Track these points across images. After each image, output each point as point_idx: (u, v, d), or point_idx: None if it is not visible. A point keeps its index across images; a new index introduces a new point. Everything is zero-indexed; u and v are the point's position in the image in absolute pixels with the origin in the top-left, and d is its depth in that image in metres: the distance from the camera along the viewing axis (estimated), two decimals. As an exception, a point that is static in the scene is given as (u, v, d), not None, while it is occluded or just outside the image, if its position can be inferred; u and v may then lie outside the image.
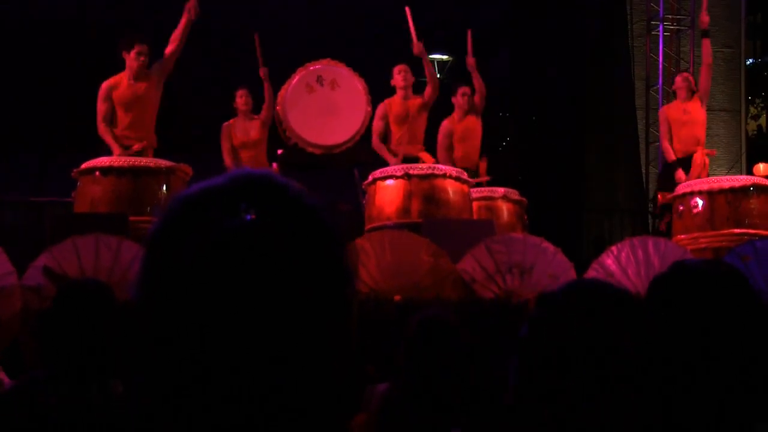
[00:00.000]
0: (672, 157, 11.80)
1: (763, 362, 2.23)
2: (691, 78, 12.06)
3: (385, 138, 11.74)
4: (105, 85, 10.53)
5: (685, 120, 11.75)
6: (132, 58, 10.44)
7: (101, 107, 10.47)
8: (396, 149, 11.59)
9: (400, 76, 11.69)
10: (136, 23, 17.76)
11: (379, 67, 12.23)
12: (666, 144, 11.95)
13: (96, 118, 10.50)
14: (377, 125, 11.76)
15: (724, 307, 2.25)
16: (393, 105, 11.68)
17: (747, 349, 2.22)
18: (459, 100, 12.28)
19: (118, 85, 10.48)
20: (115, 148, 10.30)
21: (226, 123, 12.06)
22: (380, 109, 11.79)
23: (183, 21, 10.70)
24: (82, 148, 10.60)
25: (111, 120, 10.47)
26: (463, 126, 12.27)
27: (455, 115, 12.32)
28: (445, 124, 12.29)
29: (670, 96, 17.47)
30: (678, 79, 12.12)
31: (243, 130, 12.01)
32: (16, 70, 17.70)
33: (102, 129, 10.43)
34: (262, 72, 12.17)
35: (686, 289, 2.29)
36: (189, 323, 1.22)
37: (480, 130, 12.39)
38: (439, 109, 12.10)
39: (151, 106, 10.58)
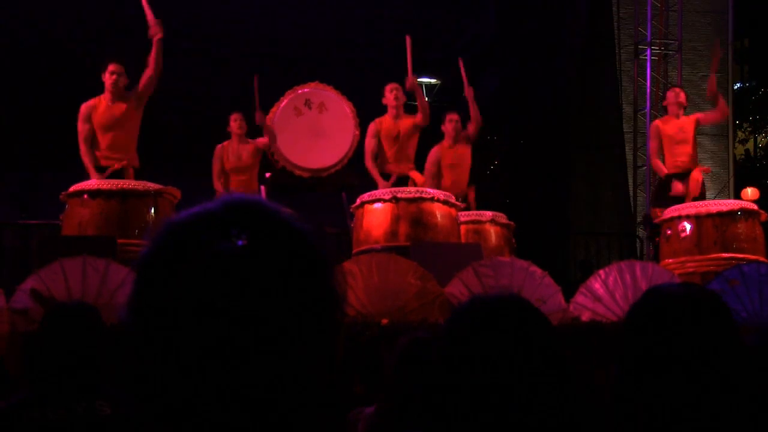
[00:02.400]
0: (664, 171, 11.73)
1: (741, 385, 2.23)
2: (682, 93, 11.95)
3: (377, 156, 11.67)
4: (84, 106, 10.48)
5: (680, 138, 11.67)
6: (106, 78, 10.42)
7: (81, 128, 10.42)
8: (389, 168, 11.53)
9: (391, 95, 11.62)
10: (121, 44, 17.81)
11: (368, 91, 12.24)
12: (656, 160, 11.91)
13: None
14: (369, 143, 11.67)
15: (699, 330, 2.25)
16: (384, 123, 11.61)
17: (722, 371, 2.23)
18: (447, 126, 12.24)
19: (97, 106, 10.43)
20: (92, 171, 10.26)
21: (219, 145, 11.97)
22: (372, 127, 11.71)
23: (153, 43, 10.65)
24: (70, 170, 10.59)
25: (92, 141, 10.43)
26: (453, 153, 12.21)
27: (445, 142, 12.26)
28: (435, 151, 12.23)
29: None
30: (670, 95, 11.95)
31: (236, 154, 11.93)
32: (2, 91, 17.71)
33: (83, 150, 10.37)
34: (259, 117, 12.10)
35: (661, 315, 2.30)
36: (179, 347, 1.23)
37: (470, 158, 12.35)
38: (428, 132, 12.07)
39: (130, 127, 10.50)
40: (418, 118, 11.60)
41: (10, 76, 17.65)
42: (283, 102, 12.76)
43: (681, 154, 11.69)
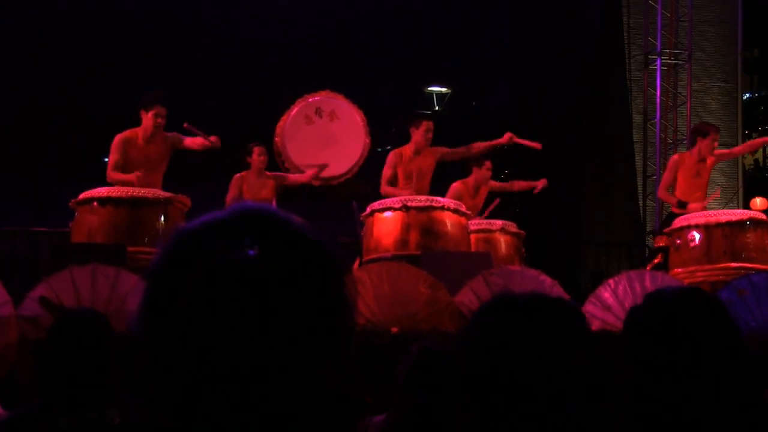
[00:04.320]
0: (674, 200, 11.72)
1: (742, 389, 2.22)
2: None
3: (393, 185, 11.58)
4: (120, 137, 10.52)
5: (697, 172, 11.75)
6: (149, 118, 10.48)
7: (115, 158, 10.47)
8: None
9: (426, 135, 11.50)
10: (129, 53, 17.84)
11: (379, 99, 12.23)
12: (666, 192, 11.93)
13: (107, 166, 10.54)
14: (387, 173, 11.52)
15: (699, 333, 2.24)
16: (404, 158, 11.53)
17: (723, 374, 2.22)
18: (484, 173, 12.34)
19: (133, 142, 10.50)
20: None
21: (238, 174, 11.87)
22: (392, 157, 11.56)
23: (203, 142, 10.79)
24: (79, 177, 10.61)
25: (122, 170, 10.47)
26: (477, 202, 12.34)
27: (470, 182, 12.34)
28: (457, 188, 12.24)
29: (668, 129, 17.56)
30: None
31: (255, 187, 11.83)
32: (11, 99, 17.74)
33: (115, 179, 10.38)
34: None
35: (661, 318, 2.29)
36: (191, 355, 1.23)
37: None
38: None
39: (161, 167, 10.71)
40: (446, 153, 11.65)
41: (22, 84, 17.68)
42: (294, 110, 12.74)
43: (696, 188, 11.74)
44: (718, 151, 12.03)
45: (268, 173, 12.02)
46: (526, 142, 12.40)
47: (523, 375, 1.91)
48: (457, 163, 12.14)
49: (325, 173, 12.59)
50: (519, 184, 12.98)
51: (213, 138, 10.82)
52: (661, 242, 11.68)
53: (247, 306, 1.23)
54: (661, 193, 12.18)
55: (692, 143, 11.86)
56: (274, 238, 1.29)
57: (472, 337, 2.01)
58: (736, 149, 13.04)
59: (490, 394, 1.92)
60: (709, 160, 11.75)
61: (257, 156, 11.85)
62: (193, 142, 10.85)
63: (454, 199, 11.86)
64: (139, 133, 10.54)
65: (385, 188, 11.47)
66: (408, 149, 11.54)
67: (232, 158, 12.14)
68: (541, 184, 12.78)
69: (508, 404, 1.90)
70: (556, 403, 1.90)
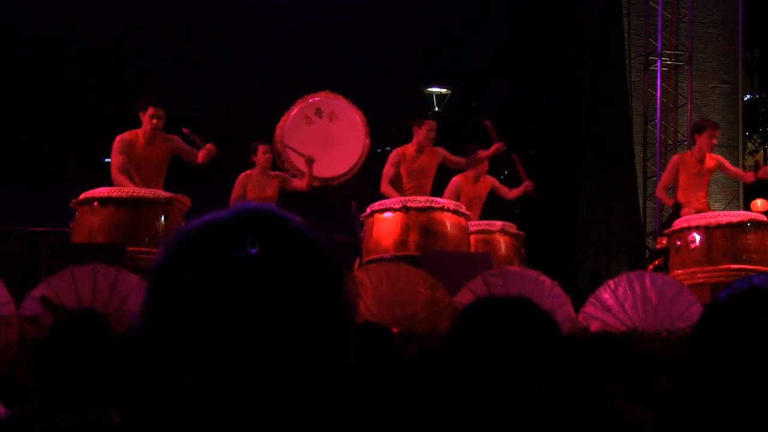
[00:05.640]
0: (671, 201, 11.77)
1: None
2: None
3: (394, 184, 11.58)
4: (120, 138, 10.50)
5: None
6: (146, 120, 10.48)
7: (119, 159, 10.46)
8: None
9: (428, 135, 11.56)
10: (129, 55, 17.82)
11: (378, 100, 12.22)
12: (664, 192, 11.97)
13: (111, 169, 10.52)
14: (388, 171, 11.51)
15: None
16: (407, 156, 11.55)
17: None
18: (485, 167, 12.38)
19: (135, 143, 10.51)
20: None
21: (243, 174, 11.84)
22: (394, 156, 11.56)
23: (202, 156, 10.81)
24: (80, 177, 10.61)
25: (128, 172, 10.47)
26: (478, 189, 12.38)
27: (469, 174, 12.36)
28: (457, 181, 12.27)
29: (668, 130, 17.56)
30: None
31: (259, 186, 11.80)
32: (11, 99, 17.73)
33: (120, 181, 10.38)
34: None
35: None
36: (192, 354, 1.24)
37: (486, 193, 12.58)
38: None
39: (162, 169, 10.73)
40: (451, 159, 11.70)
41: (22, 84, 17.67)
42: (294, 111, 12.75)
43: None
44: (721, 158, 12.04)
45: (272, 173, 12.01)
46: (519, 166, 12.49)
47: (501, 372, 1.95)
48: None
49: (325, 173, 12.59)
50: (514, 193, 12.97)
51: (209, 146, 10.81)
52: (662, 243, 11.69)
53: (249, 305, 1.24)
54: (660, 192, 12.20)
55: (693, 142, 11.88)
56: (276, 238, 1.30)
57: (453, 337, 2.06)
58: (735, 170, 12.89)
59: (470, 387, 1.96)
60: (709, 159, 11.75)
61: (262, 154, 11.81)
62: (192, 155, 10.84)
63: (455, 191, 11.94)
64: (139, 134, 10.54)
65: (385, 187, 11.46)
66: (410, 148, 11.54)
67: (232, 158, 12.12)
68: (524, 186, 12.73)
69: (488, 397, 1.95)
70: (529, 396, 1.94)
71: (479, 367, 2.00)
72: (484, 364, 2.00)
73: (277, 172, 12.09)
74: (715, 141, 11.72)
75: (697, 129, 11.82)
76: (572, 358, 2.04)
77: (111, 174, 10.48)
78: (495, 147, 11.99)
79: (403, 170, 11.48)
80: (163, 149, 10.62)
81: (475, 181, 12.45)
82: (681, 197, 11.65)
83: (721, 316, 2.06)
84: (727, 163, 12.18)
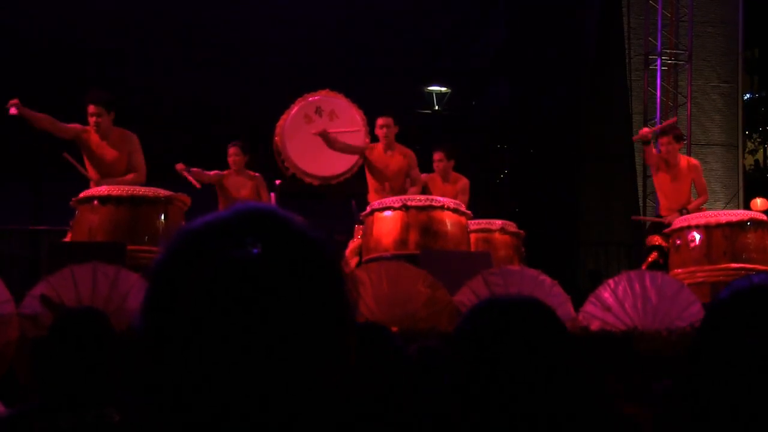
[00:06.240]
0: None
1: None
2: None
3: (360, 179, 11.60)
4: (79, 127, 10.44)
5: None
6: (88, 117, 10.38)
7: (66, 129, 10.39)
8: (370, 199, 11.42)
9: (381, 131, 11.54)
10: (129, 55, 17.82)
11: (378, 98, 12.21)
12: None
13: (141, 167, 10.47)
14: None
15: None
16: (375, 152, 11.63)
17: None
18: (437, 165, 12.25)
19: (88, 137, 10.40)
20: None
21: (226, 171, 11.93)
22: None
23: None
24: (79, 176, 10.59)
25: (81, 161, 10.42)
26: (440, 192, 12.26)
27: (437, 177, 12.28)
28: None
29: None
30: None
31: (235, 186, 11.86)
32: (11, 98, 17.72)
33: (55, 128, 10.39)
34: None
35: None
36: (193, 353, 1.24)
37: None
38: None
39: (121, 168, 10.49)
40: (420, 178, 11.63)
41: (22, 84, 17.68)
42: (294, 109, 12.75)
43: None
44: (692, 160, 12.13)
45: (251, 173, 12.00)
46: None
47: (505, 371, 1.96)
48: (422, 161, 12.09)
49: (325, 172, 12.59)
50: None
51: (197, 185, 10.87)
52: (654, 241, 11.70)
53: (249, 305, 1.24)
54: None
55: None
56: (276, 237, 1.30)
57: (458, 337, 2.06)
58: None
59: (473, 386, 1.97)
60: (682, 162, 11.82)
61: (229, 157, 11.91)
62: (139, 168, 10.63)
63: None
64: (90, 130, 10.45)
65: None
66: (378, 146, 11.62)
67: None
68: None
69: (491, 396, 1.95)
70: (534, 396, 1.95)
71: (484, 369, 2.00)
72: (489, 366, 2.00)
73: (255, 173, 12.07)
74: (663, 148, 11.72)
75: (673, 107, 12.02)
76: (576, 358, 2.04)
77: (141, 173, 10.46)
78: None
79: (368, 169, 11.62)
80: (120, 153, 10.37)
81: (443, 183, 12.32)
82: (662, 205, 11.80)
83: (721, 315, 2.07)
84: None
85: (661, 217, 11.88)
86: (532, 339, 2.03)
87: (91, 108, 10.31)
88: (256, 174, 12.12)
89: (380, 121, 11.54)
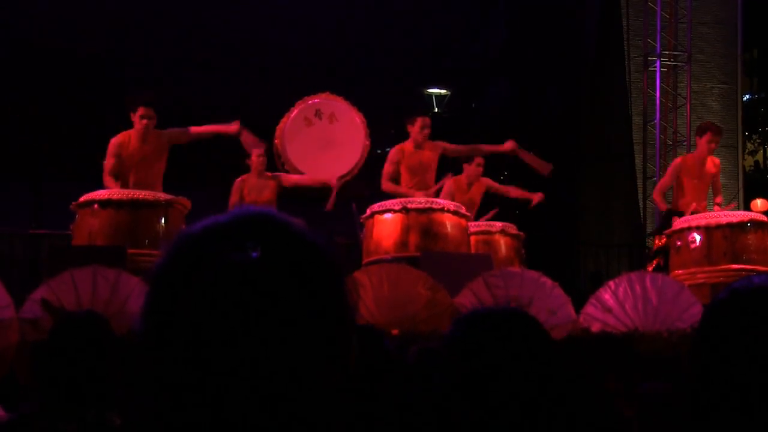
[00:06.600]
0: (664, 206, 11.79)
1: None
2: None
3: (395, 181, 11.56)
4: (114, 141, 10.40)
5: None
6: (136, 120, 10.37)
7: (110, 162, 10.36)
8: (408, 193, 11.40)
9: (422, 131, 11.47)
10: (129, 56, 17.82)
11: (378, 101, 12.20)
12: (660, 195, 11.96)
13: (103, 171, 10.42)
14: (388, 169, 11.51)
15: None
16: (406, 153, 11.52)
17: None
18: (475, 169, 12.31)
19: (127, 144, 10.40)
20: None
21: (239, 179, 11.84)
22: (393, 154, 11.58)
23: (217, 129, 10.75)
24: (80, 179, 10.59)
25: (117, 175, 10.39)
26: (472, 196, 12.32)
27: (462, 179, 12.32)
28: (449, 185, 12.15)
29: (667, 131, 17.56)
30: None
31: (256, 189, 11.77)
32: (11, 99, 17.73)
33: (109, 182, 10.32)
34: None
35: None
36: (193, 357, 1.24)
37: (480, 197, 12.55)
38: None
39: (158, 166, 10.56)
40: (450, 149, 11.67)
41: (22, 84, 17.68)
42: (294, 112, 12.74)
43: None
44: (715, 159, 12.02)
45: (269, 174, 11.99)
46: (533, 162, 12.40)
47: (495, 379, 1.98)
48: (449, 159, 12.13)
49: (325, 175, 12.58)
50: (516, 192, 12.96)
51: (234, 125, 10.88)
52: (660, 243, 11.68)
53: (249, 308, 1.25)
54: (656, 195, 12.16)
55: (693, 143, 11.91)
56: (276, 241, 1.30)
57: (450, 345, 2.09)
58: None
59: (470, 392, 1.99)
60: (710, 163, 11.75)
61: (256, 157, 11.79)
62: (202, 130, 10.79)
63: (447, 195, 11.87)
64: (132, 135, 10.46)
65: (386, 185, 11.45)
66: (409, 144, 11.53)
67: (233, 160, 12.12)
68: (537, 198, 12.78)
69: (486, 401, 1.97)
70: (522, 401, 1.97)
71: (474, 376, 2.02)
72: (479, 373, 2.02)
73: (273, 173, 12.07)
74: (714, 145, 11.69)
75: (698, 131, 11.83)
76: (566, 365, 2.05)
77: (103, 176, 10.46)
78: (536, 198, 12.22)
79: (403, 168, 11.48)
80: (157, 144, 10.50)
81: (468, 188, 12.41)
82: (683, 202, 11.63)
83: (721, 316, 2.06)
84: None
85: (677, 213, 11.71)
86: (514, 349, 2.05)
87: (145, 110, 10.39)
88: (276, 172, 12.11)
89: (426, 120, 11.56)
